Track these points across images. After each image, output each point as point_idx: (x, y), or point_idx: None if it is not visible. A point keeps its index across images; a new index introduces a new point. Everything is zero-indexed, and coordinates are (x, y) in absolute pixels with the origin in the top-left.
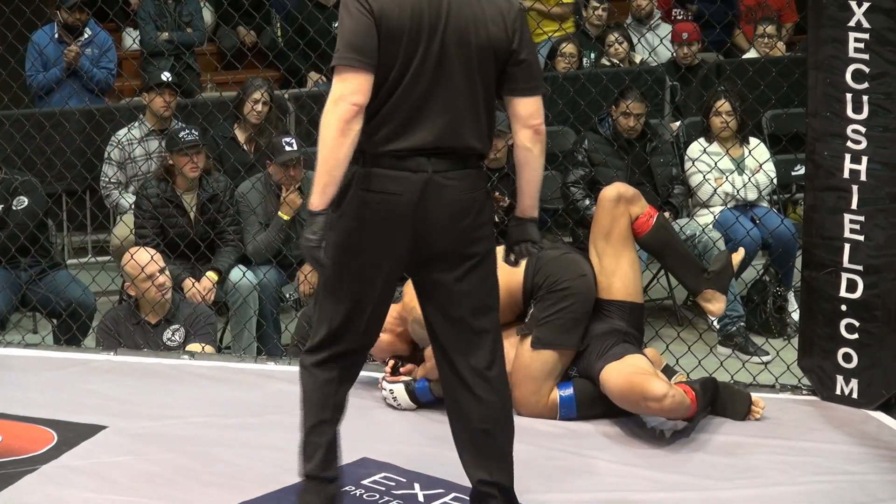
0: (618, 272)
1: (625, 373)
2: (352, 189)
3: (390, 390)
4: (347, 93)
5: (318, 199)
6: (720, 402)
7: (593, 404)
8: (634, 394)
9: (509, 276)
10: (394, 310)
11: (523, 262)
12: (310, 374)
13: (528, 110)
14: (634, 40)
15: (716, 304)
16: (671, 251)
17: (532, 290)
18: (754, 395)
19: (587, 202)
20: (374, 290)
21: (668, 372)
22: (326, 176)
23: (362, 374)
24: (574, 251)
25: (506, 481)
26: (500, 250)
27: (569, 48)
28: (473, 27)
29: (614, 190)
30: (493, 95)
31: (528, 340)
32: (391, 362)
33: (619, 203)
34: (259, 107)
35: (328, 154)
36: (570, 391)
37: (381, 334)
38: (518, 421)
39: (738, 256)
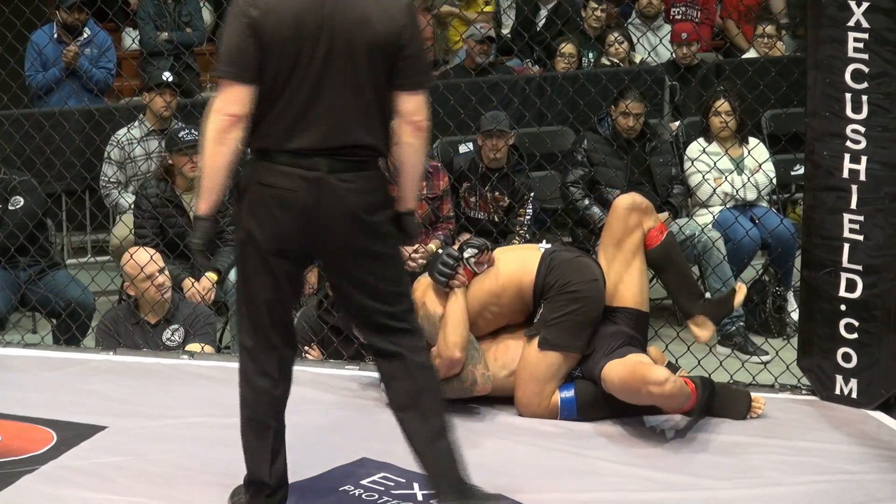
0: (626, 280)
1: (626, 364)
2: (251, 186)
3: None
4: (224, 104)
5: (202, 204)
6: (719, 402)
7: (594, 407)
8: (636, 380)
9: (521, 274)
10: None
11: (535, 262)
12: (247, 381)
13: (409, 106)
14: (635, 39)
15: (704, 332)
16: (674, 269)
17: (543, 290)
18: (754, 394)
19: (586, 202)
20: (282, 286)
21: (671, 369)
22: (207, 182)
23: (362, 374)
24: (587, 255)
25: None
26: (501, 251)
27: (568, 48)
28: (359, 28)
29: (629, 199)
30: (383, 92)
31: (536, 341)
32: None
33: (632, 213)
34: None
35: (207, 162)
36: (571, 393)
37: None
38: (518, 420)
39: (740, 294)
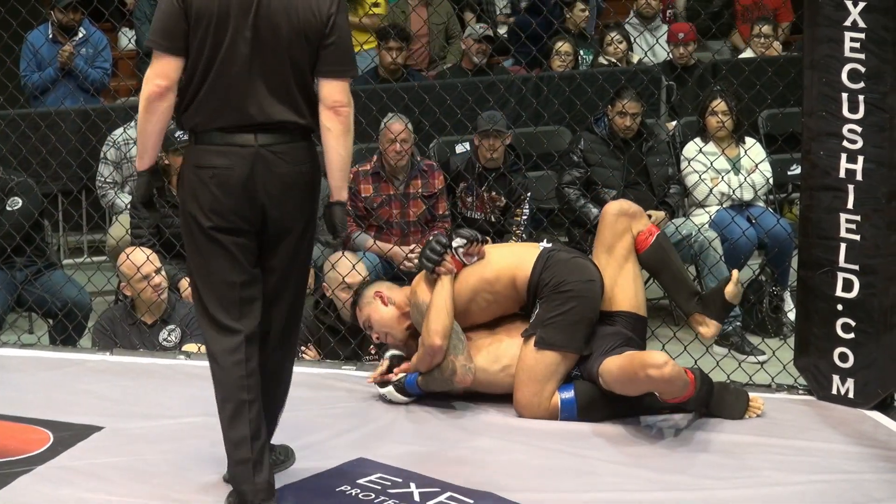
0: (621, 284)
1: (624, 356)
2: (187, 171)
3: (382, 394)
4: (153, 75)
5: (138, 163)
6: (717, 401)
7: (594, 407)
8: (634, 365)
9: (517, 267)
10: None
11: (533, 258)
12: (215, 361)
13: (329, 91)
14: (632, 39)
15: (706, 329)
16: (668, 270)
17: (537, 287)
18: (752, 395)
19: (582, 201)
20: (236, 261)
21: None
22: (140, 146)
23: (358, 374)
24: (585, 256)
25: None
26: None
27: (564, 47)
28: (285, 14)
29: (617, 205)
30: (307, 76)
31: (533, 341)
32: (384, 364)
33: (620, 217)
34: None
35: (140, 128)
36: (570, 394)
37: (387, 311)
38: (516, 421)
39: (733, 282)
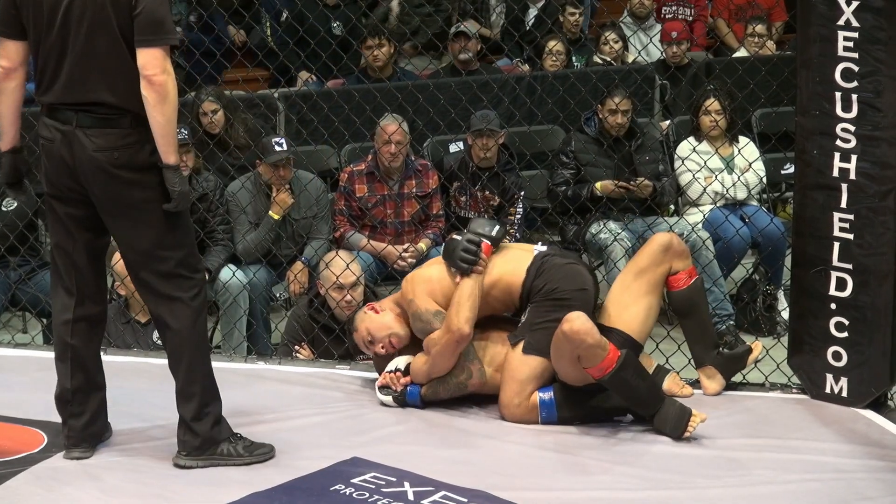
0: (633, 309)
1: None
2: (37, 141)
3: (382, 402)
4: None
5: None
6: (661, 416)
7: (574, 405)
8: (556, 335)
9: (511, 274)
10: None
11: (526, 263)
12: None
13: (143, 61)
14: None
15: (713, 384)
16: (695, 316)
17: (530, 291)
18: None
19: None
20: (69, 230)
21: (661, 372)
22: None
23: (352, 373)
24: (579, 262)
25: (185, 414)
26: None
27: (557, 46)
28: None
29: (668, 238)
30: (125, 52)
31: (521, 345)
32: (386, 376)
33: (666, 252)
34: (211, 118)
35: None
36: (550, 394)
37: (383, 315)
38: (507, 424)
39: (755, 353)
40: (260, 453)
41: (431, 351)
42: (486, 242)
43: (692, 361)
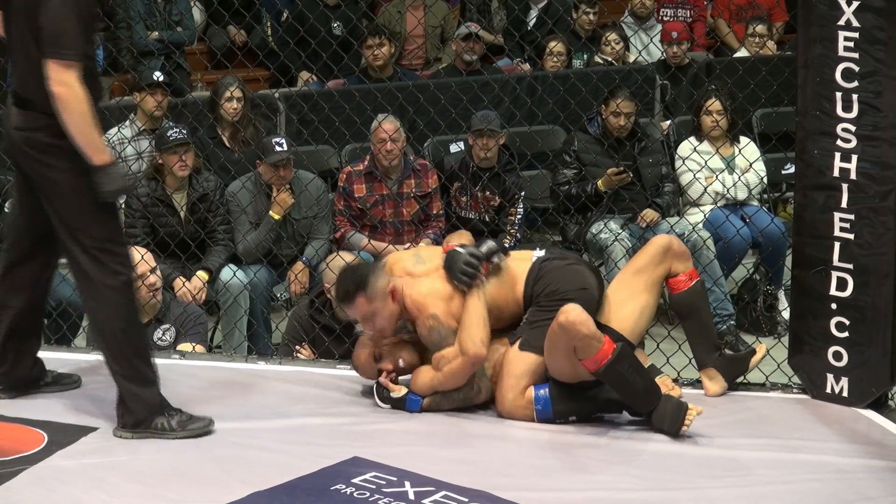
0: (627, 308)
1: None
2: None
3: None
4: None
5: None
6: (659, 412)
7: (568, 399)
8: (552, 328)
9: (513, 284)
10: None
11: (525, 271)
12: None
13: (47, 70)
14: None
15: (715, 385)
16: (696, 318)
17: (532, 298)
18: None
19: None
20: (18, 189)
21: (654, 371)
22: None
23: (353, 373)
24: (580, 262)
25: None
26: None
27: (557, 46)
28: None
29: (668, 240)
30: (35, 53)
31: (518, 343)
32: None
33: (666, 253)
34: (234, 104)
35: None
36: (545, 389)
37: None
38: (509, 422)
39: (759, 355)
40: (193, 428)
41: (442, 368)
42: (485, 262)
43: (693, 362)
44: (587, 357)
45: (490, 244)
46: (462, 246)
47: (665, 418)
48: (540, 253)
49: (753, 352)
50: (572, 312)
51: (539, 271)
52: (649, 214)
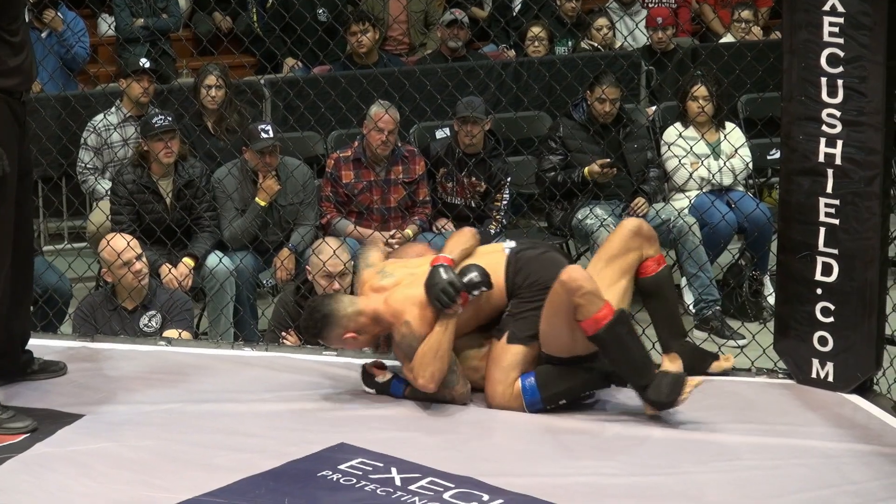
0: (606, 295)
1: None
2: None
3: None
4: None
5: None
6: (654, 385)
7: (555, 383)
8: (553, 290)
9: (496, 281)
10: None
11: (502, 264)
12: None
13: None
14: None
15: (671, 365)
16: (662, 303)
17: (513, 292)
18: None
19: (560, 178)
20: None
21: (710, 357)
22: None
23: (339, 359)
24: (553, 250)
25: None
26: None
27: (540, 32)
28: None
29: (636, 224)
30: None
31: (505, 336)
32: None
33: (636, 237)
34: (213, 92)
35: None
36: (531, 378)
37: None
38: (494, 409)
39: (721, 363)
40: (10, 427)
41: (409, 378)
42: (465, 292)
43: (656, 345)
44: (588, 316)
45: (473, 276)
46: (446, 269)
47: (663, 390)
48: (511, 244)
49: (716, 358)
50: (574, 271)
51: (516, 262)
52: (641, 203)
